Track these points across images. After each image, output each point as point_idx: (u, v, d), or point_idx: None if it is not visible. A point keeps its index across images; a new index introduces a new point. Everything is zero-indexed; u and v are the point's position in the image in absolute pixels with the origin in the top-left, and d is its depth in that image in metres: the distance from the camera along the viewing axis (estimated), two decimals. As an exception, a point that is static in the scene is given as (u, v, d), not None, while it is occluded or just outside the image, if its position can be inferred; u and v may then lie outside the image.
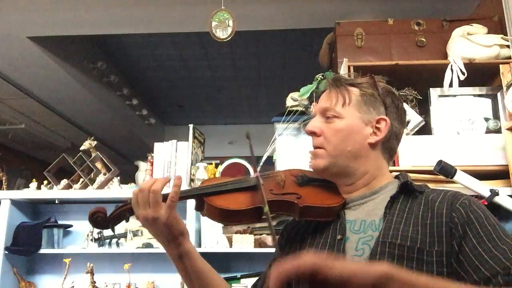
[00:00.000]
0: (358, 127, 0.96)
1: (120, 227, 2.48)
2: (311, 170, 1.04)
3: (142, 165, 2.65)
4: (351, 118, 0.96)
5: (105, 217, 0.93)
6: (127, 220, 0.96)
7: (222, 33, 2.60)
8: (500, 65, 2.02)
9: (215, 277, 1.02)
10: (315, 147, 0.98)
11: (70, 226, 2.58)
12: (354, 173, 0.96)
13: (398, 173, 1.02)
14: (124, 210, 0.95)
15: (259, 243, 2.33)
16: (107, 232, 2.50)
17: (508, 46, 2.13)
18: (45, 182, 2.58)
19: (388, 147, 0.99)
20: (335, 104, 0.96)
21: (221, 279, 1.04)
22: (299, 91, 2.32)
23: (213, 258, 2.51)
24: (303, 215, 0.94)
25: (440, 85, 2.10)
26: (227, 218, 0.94)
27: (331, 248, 0.91)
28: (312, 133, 0.98)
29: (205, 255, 2.50)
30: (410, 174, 1.98)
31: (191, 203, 2.28)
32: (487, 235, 0.79)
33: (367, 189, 0.97)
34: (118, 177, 2.54)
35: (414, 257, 0.81)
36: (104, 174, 2.52)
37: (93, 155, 2.55)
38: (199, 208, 0.98)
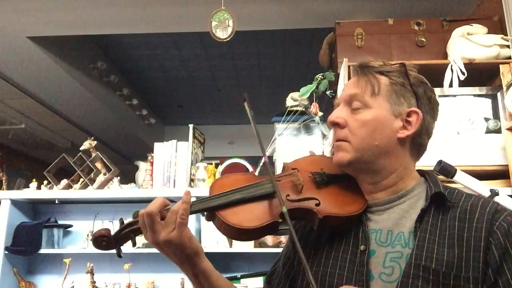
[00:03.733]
0: (388, 119, 0.86)
1: (120, 227, 2.48)
2: (329, 157, 0.97)
3: (142, 165, 2.65)
4: (379, 109, 0.86)
5: (109, 240, 0.86)
6: (134, 243, 0.88)
7: (222, 33, 2.60)
8: (500, 65, 2.02)
9: None
10: (339, 140, 0.88)
11: (70, 226, 2.58)
12: (380, 171, 0.87)
13: (424, 170, 0.94)
14: (130, 231, 0.87)
15: (259, 243, 2.34)
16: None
17: (508, 46, 2.13)
18: (45, 182, 2.58)
19: (418, 143, 0.89)
20: (363, 93, 0.87)
21: None
22: (299, 91, 2.32)
23: (213, 258, 2.51)
24: (322, 224, 0.85)
25: (440, 85, 2.10)
26: (242, 235, 0.87)
27: (352, 257, 0.84)
28: (336, 124, 0.88)
29: (205, 255, 2.49)
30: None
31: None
32: None
33: (392, 192, 0.88)
34: (118, 177, 2.54)
35: (450, 284, 0.76)
36: (104, 174, 2.52)
37: (93, 155, 2.55)
38: (210, 218, 0.90)
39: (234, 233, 0.85)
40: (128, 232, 0.87)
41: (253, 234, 0.86)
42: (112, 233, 0.87)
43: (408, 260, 0.79)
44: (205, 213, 0.90)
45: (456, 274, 0.76)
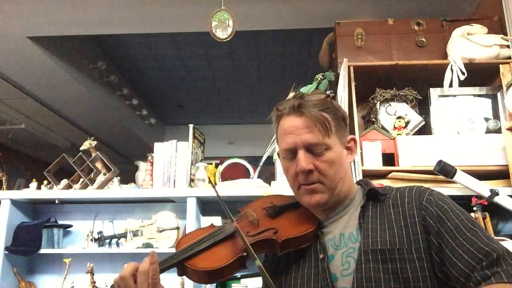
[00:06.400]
0: (342, 152, 0.99)
1: (120, 227, 2.48)
2: (280, 198, 1.08)
3: (142, 165, 2.65)
4: (336, 147, 0.97)
5: None
6: None
7: (222, 33, 2.59)
8: (500, 65, 2.02)
9: None
10: (311, 183, 0.96)
11: (70, 226, 2.58)
12: (340, 196, 1.00)
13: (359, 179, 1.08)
14: None
15: (259, 243, 2.33)
16: (107, 232, 2.50)
17: (508, 46, 2.13)
18: (45, 182, 2.58)
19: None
20: (322, 137, 0.95)
21: None
22: (299, 91, 2.31)
23: (213, 258, 2.51)
24: (284, 248, 0.94)
25: (440, 85, 2.10)
26: (214, 277, 0.93)
27: (316, 269, 0.93)
28: (309, 171, 0.95)
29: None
30: (410, 174, 1.98)
31: (191, 202, 2.28)
32: (456, 228, 0.86)
33: (339, 205, 1.00)
34: (118, 177, 2.54)
35: (396, 257, 0.87)
36: (104, 174, 2.52)
37: (93, 155, 2.54)
38: (182, 273, 0.96)
39: (205, 277, 0.93)
40: None
41: (222, 272, 0.92)
42: None
43: (358, 250, 0.90)
44: (177, 269, 0.96)
45: (400, 247, 0.87)
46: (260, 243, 0.94)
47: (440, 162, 1.80)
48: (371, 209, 0.96)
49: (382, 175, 2.01)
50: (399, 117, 2.12)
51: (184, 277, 1.01)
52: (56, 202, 2.47)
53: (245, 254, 0.91)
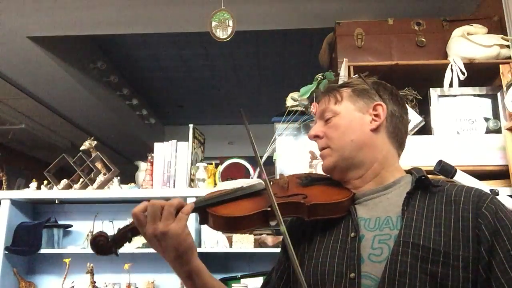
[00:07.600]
0: (356, 117, 0.96)
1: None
2: (316, 172, 1.04)
3: (142, 165, 2.65)
4: (346, 111, 0.97)
5: (107, 241, 0.92)
6: (130, 241, 0.95)
7: (222, 33, 2.60)
8: (500, 65, 2.02)
9: None
10: (321, 149, 0.99)
11: (70, 226, 2.58)
12: (363, 163, 0.94)
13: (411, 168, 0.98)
14: (126, 230, 0.93)
15: (259, 243, 2.34)
16: (107, 232, 2.50)
17: (508, 46, 2.13)
18: (45, 182, 2.58)
19: (394, 132, 0.96)
20: (329, 104, 0.99)
21: None
22: (299, 91, 2.32)
23: (213, 258, 2.52)
24: (311, 214, 0.90)
25: (440, 85, 2.10)
26: (234, 226, 0.91)
27: (343, 245, 0.87)
28: (316, 137, 1.00)
29: (205, 255, 2.51)
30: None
31: (190, 200, 2.28)
32: None
33: (377, 183, 0.94)
34: (118, 177, 2.54)
35: (440, 260, 0.78)
36: (104, 174, 2.52)
37: (93, 155, 2.55)
38: (203, 221, 0.94)
39: (225, 224, 0.91)
40: (125, 232, 0.92)
41: (243, 222, 0.90)
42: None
43: (397, 238, 0.82)
44: (199, 216, 0.94)
45: (446, 250, 0.79)
46: (287, 205, 0.91)
47: (440, 162, 1.79)
48: (419, 199, 0.87)
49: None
50: (399, 117, 2.12)
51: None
52: (56, 202, 2.47)
53: (269, 209, 0.89)
